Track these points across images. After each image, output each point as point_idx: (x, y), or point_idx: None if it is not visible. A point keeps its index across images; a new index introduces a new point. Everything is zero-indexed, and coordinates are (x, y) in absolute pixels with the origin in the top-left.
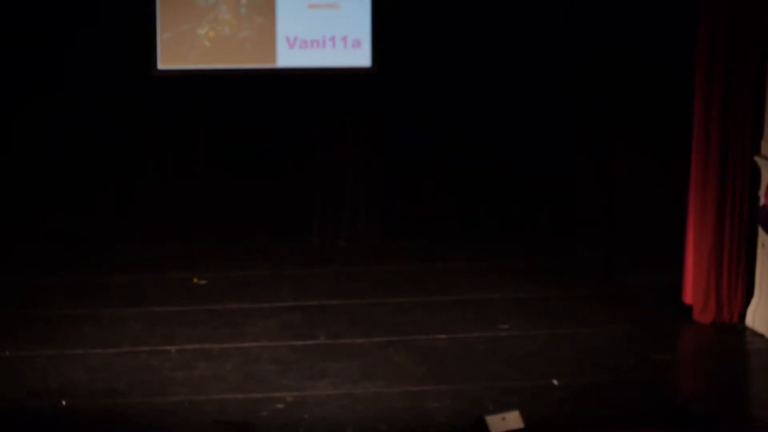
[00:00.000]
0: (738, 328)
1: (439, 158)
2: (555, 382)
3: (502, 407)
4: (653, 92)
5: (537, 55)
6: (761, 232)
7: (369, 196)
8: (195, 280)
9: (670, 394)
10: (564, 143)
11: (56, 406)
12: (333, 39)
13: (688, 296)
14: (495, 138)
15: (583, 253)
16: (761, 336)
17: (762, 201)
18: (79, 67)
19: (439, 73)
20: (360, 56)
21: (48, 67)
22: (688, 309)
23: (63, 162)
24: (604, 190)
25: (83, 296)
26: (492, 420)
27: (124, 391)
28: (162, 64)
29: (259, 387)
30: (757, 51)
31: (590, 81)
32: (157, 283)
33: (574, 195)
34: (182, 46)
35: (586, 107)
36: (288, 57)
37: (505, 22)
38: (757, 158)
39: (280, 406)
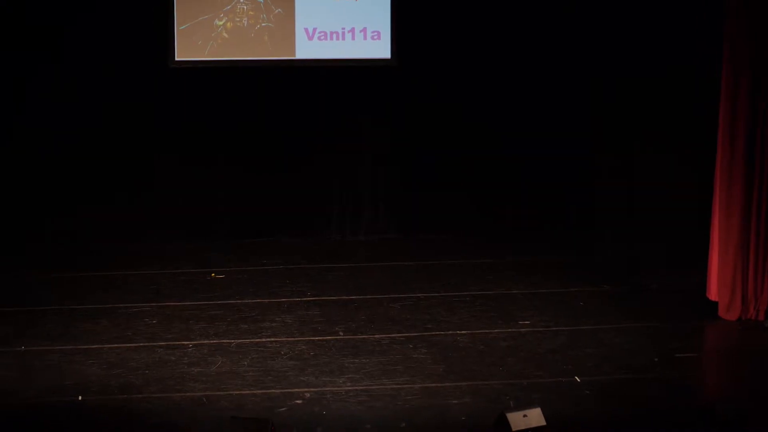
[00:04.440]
0: (764, 326)
1: (460, 153)
2: (577, 379)
3: (523, 404)
4: (677, 88)
5: (558, 49)
6: None
7: (388, 191)
8: (212, 275)
9: (695, 393)
10: (585, 140)
11: (72, 401)
12: (352, 30)
13: (713, 293)
14: (515, 133)
15: (606, 250)
16: None
17: None
18: (94, 59)
19: (459, 66)
20: (380, 48)
21: (62, 58)
22: (713, 306)
23: (76, 156)
24: (626, 186)
25: (99, 292)
26: (513, 417)
27: (140, 387)
28: (179, 56)
29: (277, 383)
30: None
31: (612, 76)
32: (173, 278)
33: (596, 192)
34: (200, 38)
35: (608, 103)
36: (307, 49)
37: (527, 15)
38: None
39: (298, 402)
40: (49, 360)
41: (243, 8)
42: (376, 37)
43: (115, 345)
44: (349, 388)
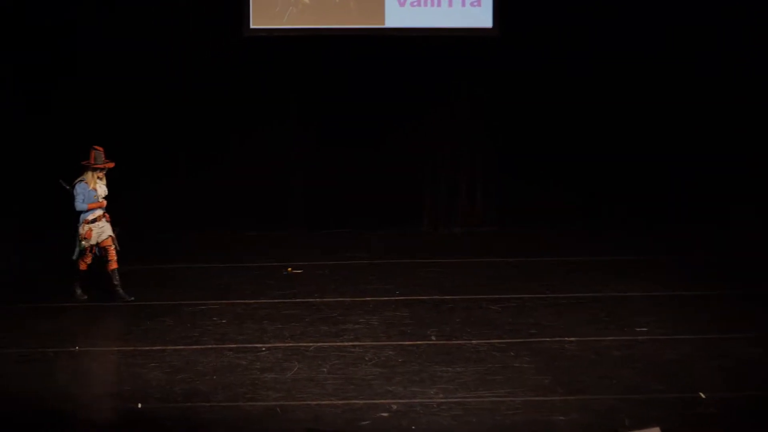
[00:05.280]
0: None
1: (566, 139)
2: (702, 395)
3: (639, 423)
4: None
5: (681, 35)
6: None
7: (487, 178)
8: (289, 270)
9: None
10: (711, 136)
11: (131, 409)
12: None
13: None
14: (626, 123)
15: (737, 250)
16: None
17: None
18: (166, 29)
19: (569, 39)
20: (480, 16)
21: (133, 29)
22: None
23: (147, 132)
24: (760, 183)
25: (159, 287)
26: None
27: (207, 394)
28: (255, 24)
29: (360, 393)
30: None
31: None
32: (245, 273)
33: (724, 187)
34: (278, 4)
35: (735, 99)
36: (398, 16)
37: None
38: None
39: (384, 415)
40: (106, 362)
41: None
42: (476, 4)
43: (180, 347)
44: (442, 400)
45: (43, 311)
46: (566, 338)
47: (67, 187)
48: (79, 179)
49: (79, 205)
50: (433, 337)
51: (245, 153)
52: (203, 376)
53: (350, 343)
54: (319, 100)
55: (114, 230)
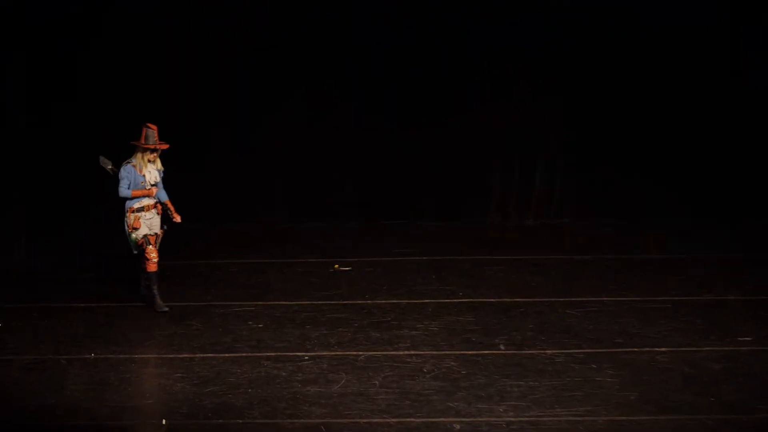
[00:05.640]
0: None
1: (654, 125)
2: None
3: None
4: None
5: None
6: None
7: (567, 164)
8: (336, 267)
9: None
10: None
11: (154, 425)
12: None
13: None
14: (720, 112)
15: None
16: None
17: None
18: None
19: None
20: None
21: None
22: None
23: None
24: None
25: (186, 285)
26: None
27: (241, 410)
28: None
29: (417, 410)
30: None
31: None
32: (284, 270)
33: None
34: None
35: None
36: None
37: None
38: None
39: None
40: (126, 371)
41: None
42: None
43: (210, 354)
44: (512, 419)
45: (55, 312)
46: (656, 349)
47: (110, 169)
48: (126, 161)
49: (123, 191)
50: (502, 346)
51: (284, 133)
52: (236, 388)
53: (406, 353)
54: (368, 77)
55: (162, 227)
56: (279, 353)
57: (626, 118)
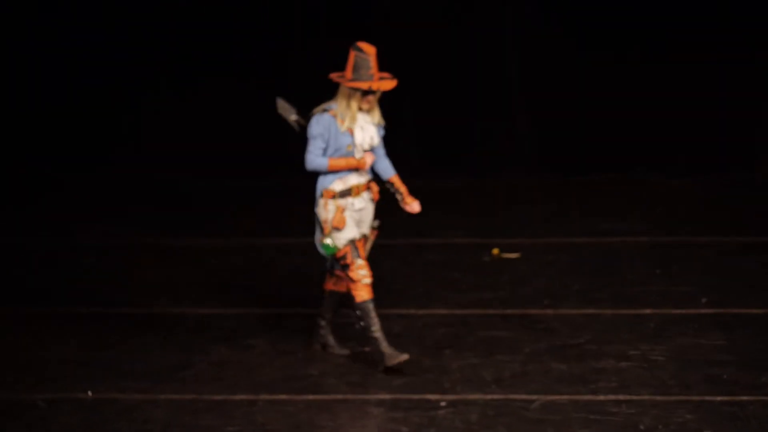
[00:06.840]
0: None
1: None
2: None
3: None
4: None
5: None
6: None
7: None
8: (495, 252)
9: None
10: None
11: None
12: None
13: None
14: None
15: None
16: None
17: None
18: None
19: None
20: None
21: None
22: None
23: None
24: None
25: (220, 292)
26: None
27: None
28: None
29: None
30: None
31: None
32: (407, 256)
33: None
34: None
35: None
36: None
37: None
38: None
39: None
40: (134, 411)
41: None
42: None
43: (281, 395)
44: None
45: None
46: None
47: (294, 120)
48: (322, 107)
49: (315, 159)
50: None
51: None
52: None
53: (611, 398)
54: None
55: (374, 224)
56: (396, 395)
57: None
